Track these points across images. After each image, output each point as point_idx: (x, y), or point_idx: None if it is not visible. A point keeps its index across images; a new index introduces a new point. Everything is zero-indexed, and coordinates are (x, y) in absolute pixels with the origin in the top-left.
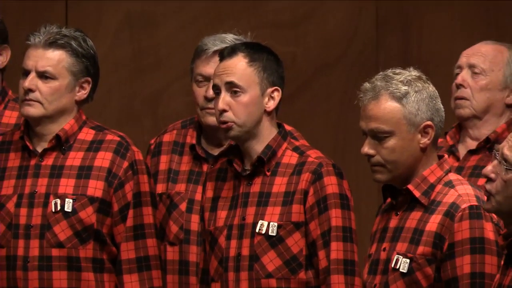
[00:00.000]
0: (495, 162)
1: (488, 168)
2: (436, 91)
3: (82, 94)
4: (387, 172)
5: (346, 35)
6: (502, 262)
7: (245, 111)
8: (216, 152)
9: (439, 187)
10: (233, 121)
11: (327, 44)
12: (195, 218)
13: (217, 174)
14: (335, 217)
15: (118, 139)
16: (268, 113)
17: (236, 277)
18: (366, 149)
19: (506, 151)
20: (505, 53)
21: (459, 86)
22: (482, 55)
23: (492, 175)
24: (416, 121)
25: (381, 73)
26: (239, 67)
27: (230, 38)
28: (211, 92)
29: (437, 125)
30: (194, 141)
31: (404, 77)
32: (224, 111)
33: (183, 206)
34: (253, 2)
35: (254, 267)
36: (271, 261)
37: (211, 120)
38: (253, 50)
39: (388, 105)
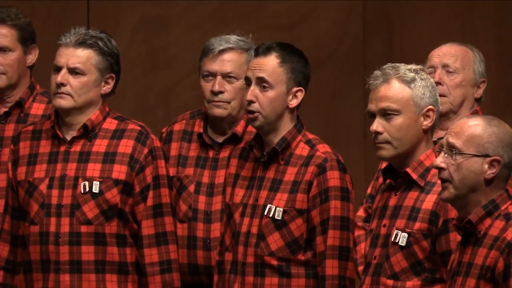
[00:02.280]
0: (442, 154)
1: (437, 160)
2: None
3: (107, 88)
4: (393, 149)
5: (336, 36)
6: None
7: (270, 105)
8: (220, 139)
9: (434, 170)
10: (258, 111)
11: (319, 44)
12: (202, 199)
13: (240, 153)
14: (334, 207)
15: (139, 128)
16: (291, 110)
17: (244, 251)
18: (375, 127)
19: (451, 140)
20: (470, 53)
21: (436, 83)
22: (453, 55)
23: (443, 165)
24: (421, 104)
25: (388, 64)
26: (271, 66)
27: (233, 39)
28: (217, 87)
29: (436, 112)
30: (201, 130)
31: (410, 66)
32: (252, 102)
33: (191, 188)
34: (254, 7)
35: (260, 245)
36: (275, 241)
37: (217, 111)
38: (286, 52)
39: (398, 87)
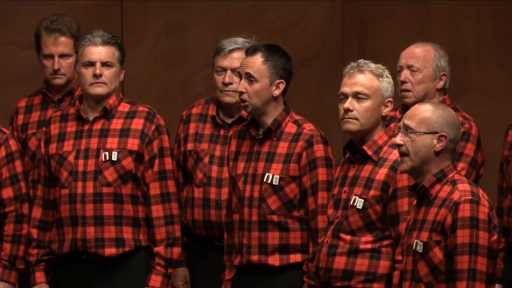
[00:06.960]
0: (399, 134)
1: (397, 139)
2: None
3: (121, 77)
4: (359, 125)
5: (321, 39)
6: (415, 203)
7: (256, 95)
8: (229, 121)
9: (385, 148)
10: (247, 100)
11: (307, 45)
12: (214, 168)
13: (238, 134)
14: (321, 173)
15: (147, 110)
16: (275, 98)
17: (249, 212)
18: (348, 104)
19: (407, 122)
20: (432, 52)
21: (402, 82)
22: (416, 57)
23: (401, 142)
24: (384, 95)
25: (362, 59)
26: (256, 63)
27: (240, 40)
28: (227, 79)
29: (392, 105)
30: (214, 113)
31: (378, 65)
32: (242, 92)
33: (206, 159)
34: (255, 14)
35: (262, 206)
36: (273, 202)
37: (227, 99)
38: (269, 52)
39: (371, 77)
